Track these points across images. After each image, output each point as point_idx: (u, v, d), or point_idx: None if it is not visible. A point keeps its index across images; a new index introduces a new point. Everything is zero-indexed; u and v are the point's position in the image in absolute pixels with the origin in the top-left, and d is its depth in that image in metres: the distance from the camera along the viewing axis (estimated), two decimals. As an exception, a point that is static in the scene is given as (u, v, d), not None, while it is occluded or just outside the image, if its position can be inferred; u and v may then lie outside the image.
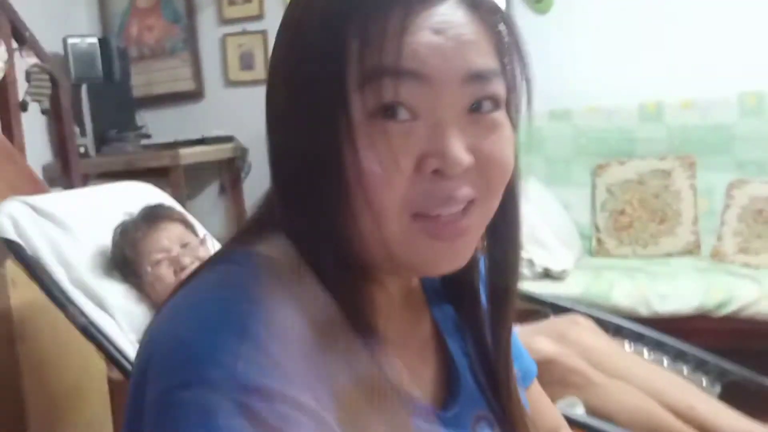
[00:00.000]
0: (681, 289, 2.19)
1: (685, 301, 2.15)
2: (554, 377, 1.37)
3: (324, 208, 0.51)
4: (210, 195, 3.62)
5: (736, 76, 2.69)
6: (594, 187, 2.79)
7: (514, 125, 0.55)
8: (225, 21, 3.57)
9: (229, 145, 3.47)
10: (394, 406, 0.54)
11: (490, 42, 0.52)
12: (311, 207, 0.52)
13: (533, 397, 0.78)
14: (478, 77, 0.51)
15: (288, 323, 0.50)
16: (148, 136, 3.46)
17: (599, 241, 2.71)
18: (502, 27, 0.53)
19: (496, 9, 0.53)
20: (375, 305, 0.55)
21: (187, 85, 3.66)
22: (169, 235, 1.60)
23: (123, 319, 1.58)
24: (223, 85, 3.64)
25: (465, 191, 0.51)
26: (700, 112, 2.70)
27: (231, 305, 0.51)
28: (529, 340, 1.36)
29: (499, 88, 0.52)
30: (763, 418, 1.46)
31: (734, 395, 1.62)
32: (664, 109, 2.76)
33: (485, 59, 0.51)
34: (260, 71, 3.53)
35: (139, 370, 0.52)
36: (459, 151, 0.50)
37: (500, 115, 0.53)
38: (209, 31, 3.61)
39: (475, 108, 0.51)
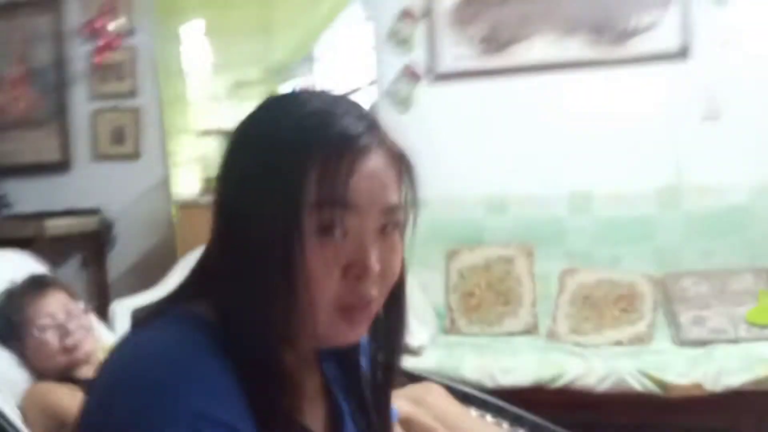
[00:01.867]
0: (520, 364, 2.45)
1: (523, 375, 2.41)
2: (411, 434, 1.55)
3: (269, 294, 0.67)
4: (73, 266, 3.58)
5: (568, 177, 3.09)
6: (447, 270, 3.06)
7: (403, 240, 0.74)
8: (97, 96, 3.62)
9: (95, 218, 3.47)
10: None
11: (398, 183, 0.72)
12: (256, 291, 0.67)
13: None
14: (390, 209, 0.70)
15: (222, 372, 0.66)
16: (8, 206, 3.40)
17: (452, 320, 2.96)
18: (405, 170, 0.73)
19: (404, 158, 0.73)
20: (288, 364, 0.71)
21: (54, 156, 3.65)
22: (56, 302, 1.67)
23: (3, 384, 1.62)
24: (91, 158, 3.65)
25: (374, 290, 0.70)
26: (538, 206, 3.07)
27: (182, 353, 0.67)
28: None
29: (400, 215, 0.72)
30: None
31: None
32: (508, 202, 3.10)
33: (395, 196, 0.71)
34: (130, 146, 3.58)
35: (101, 398, 0.67)
36: (375, 263, 0.69)
37: (397, 235, 0.72)
38: (80, 105, 3.64)
39: (383, 230, 0.70)
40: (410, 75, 3.26)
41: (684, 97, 3.03)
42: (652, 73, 3.05)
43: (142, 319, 0.75)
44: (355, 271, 0.68)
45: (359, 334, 0.73)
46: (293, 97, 0.74)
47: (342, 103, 0.71)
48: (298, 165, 0.66)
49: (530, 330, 2.86)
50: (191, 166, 3.45)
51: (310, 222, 0.66)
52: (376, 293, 0.71)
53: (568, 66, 3.12)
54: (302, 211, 0.65)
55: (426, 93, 3.27)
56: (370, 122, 0.71)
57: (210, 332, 0.69)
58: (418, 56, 3.26)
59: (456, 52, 3.24)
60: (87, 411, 0.69)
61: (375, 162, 0.69)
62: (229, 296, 0.69)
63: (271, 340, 0.68)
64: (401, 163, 0.73)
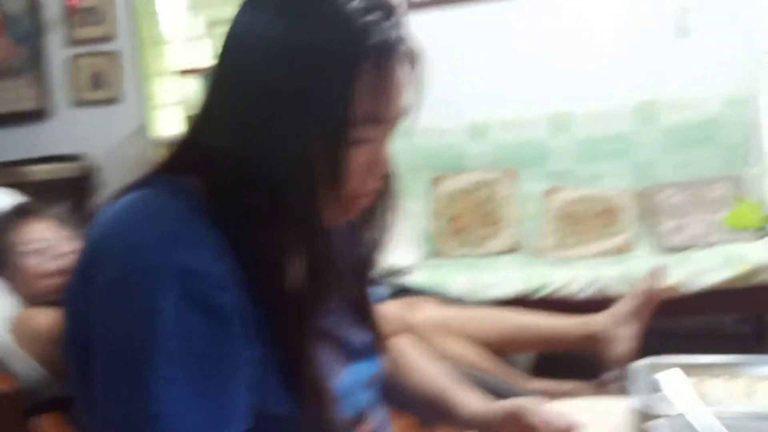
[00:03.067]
0: (505, 278, 2.53)
1: (508, 287, 2.48)
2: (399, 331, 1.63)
3: (287, 186, 0.69)
4: (58, 214, 3.58)
5: (547, 99, 3.12)
6: (432, 196, 3.10)
7: None
8: (75, 42, 3.58)
9: (77, 164, 3.47)
10: None
11: (410, 85, 0.75)
12: (274, 182, 0.69)
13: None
14: (402, 116, 0.75)
15: (210, 232, 0.69)
16: (-11, 155, 3.39)
17: (438, 244, 3.02)
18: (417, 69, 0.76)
19: (419, 56, 0.75)
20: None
21: (33, 105, 3.62)
22: (48, 226, 1.68)
23: None
24: (71, 104, 3.63)
25: (376, 183, 0.76)
26: (519, 129, 3.10)
27: (164, 213, 0.70)
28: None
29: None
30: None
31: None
32: (489, 128, 3.14)
33: (405, 101, 0.75)
34: (111, 91, 3.56)
35: (85, 263, 0.70)
36: (386, 162, 0.75)
37: None
38: (58, 52, 3.60)
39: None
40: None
41: (656, 14, 3.05)
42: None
43: (125, 189, 0.76)
44: (371, 168, 0.73)
45: (349, 218, 0.77)
46: None
47: None
48: (343, 78, 0.67)
49: (515, 248, 2.93)
50: (172, 108, 3.45)
51: (350, 134, 0.69)
52: (376, 185, 0.76)
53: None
54: (346, 127, 0.68)
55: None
56: (397, 19, 0.71)
57: (199, 202, 0.72)
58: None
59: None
60: (71, 288, 0.72)
61: (403, 70, 0.72)
62: (234, 180, 0.71)
63: (275, 226, 0.70)
64: (415, 63, 0.75)
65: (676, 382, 0.86)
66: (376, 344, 0.89)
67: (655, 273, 1.79)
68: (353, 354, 0.86)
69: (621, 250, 2.72)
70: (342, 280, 0.83)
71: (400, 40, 0.71)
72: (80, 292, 0.70)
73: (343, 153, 0.69)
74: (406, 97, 0.74)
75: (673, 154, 2.92)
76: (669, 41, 3.05)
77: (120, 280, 0.65)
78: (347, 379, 0.82)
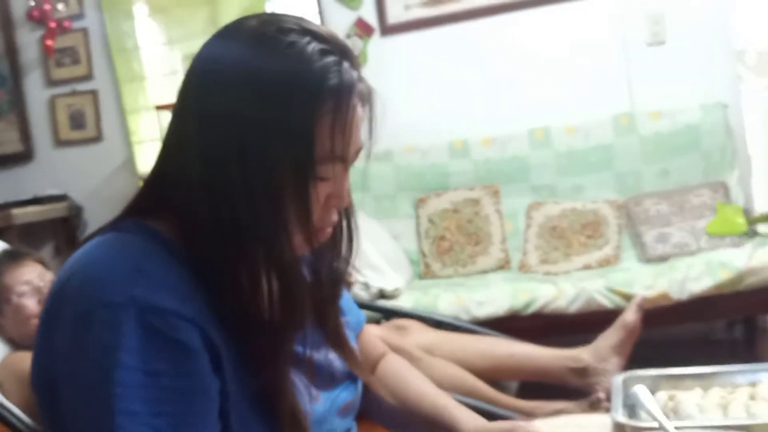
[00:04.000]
0: (494, 295, 2.52)
1: (497, 305, 2.48)
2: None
3: (256, 222, 0.71)
4: (46, 254, 3.57)
5: (525, 115, 3.14)
6: (417, 217, 3.11)
7: None
8: (53, 82, 3.60)
9: (62, 204, 3.47)
10: None
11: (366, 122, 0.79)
12: (242, 220, 0.71)
13: (365, 339, 1.02)
14: (360, 150, 0.78)
15: (173, 271, 0.70)
16: (-25, 201, 3.39)
17: (426, 264, 3.02)
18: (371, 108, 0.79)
19: (372, 95, 0.79)
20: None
21: (15, 147, 3.63)
22: (32, 270, 1.71)
23: None
24: (53, 145, 3.64)
25: (337, 215, 0.79)
26: (499, 147, 3.12)
27: (127, 252, 0.71)
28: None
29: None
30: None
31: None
32: (470, 146, 3.15)
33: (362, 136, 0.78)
34: (91, 130, 3.58)
35: (53, 301, 0.71)
36: (348, 195, 0.78)
37: None
38: (37, 93, 3.62)
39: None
40: (363, 28, 3.28)
41: (629, 24, 3.09)
42: (595, 3, 3.10)
43: (93, 233, 0.78)
44: (332, 203, 0.76)
45: (313, 248, 0.78)
46: (273, 31, 0.73)
47: (325, 37, 0.73)
48: (309, 115, 0.70)
49: (502, 265, 2.94)
50: (153, 143, 3.46)
51: (315, 170, 0.72)
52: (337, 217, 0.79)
53: (513, 6, 3.16)
54: (312, 165, 0.71)
55: (378, 45, 3.30)
56: (354, 60, 0.75)
57: (166, 243, 0.73)
58: (367, 11, 3.29)
59: (403, 2, 3.27)
60: (40, 326, 0.73)
61: (360, 108, 0.76)
62: (202, 215, 0.72)
63: (245, 258, 0.72)
64: (369, 102, 0.78)
65: (650, 395, 0.86)
66: (351, 370, 0.90)
67: (638, 306, 1.80)
68: (329, 380, 0.86)
69: (607, 262, 2.72)
70: (314, 308, 0.83)
71: (355, 81, 0.74)
72: (47, 331, 0.71)
73: (309, 187, 0.71)
74: (363, 134, 0.77)
75: (654, 163, 2.93)
76: (643, 51, 3.08)
77: (83, 314, 0.67)
78: (323, 407, 0.83)
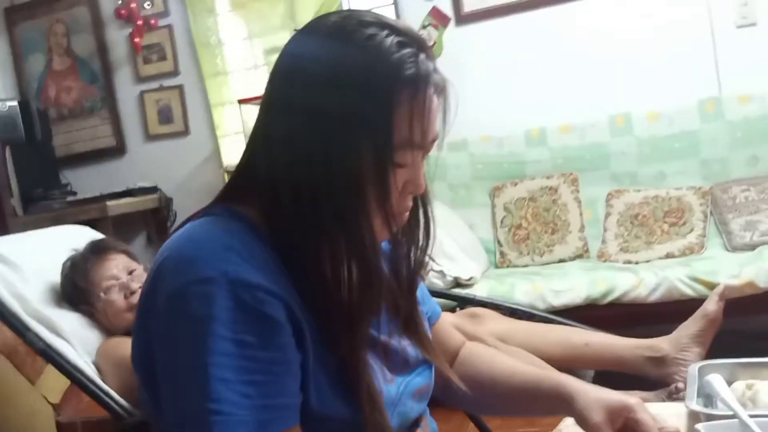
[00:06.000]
0: (571, 284, 2.49)
1: (575, 294, 2.45)
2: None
3: (339, 210, 0.75)
4: (138, 245, 3.75)
5: (606, 101, 3.08)
6: (493, 206, 3.10)
7: None
8: (141, 78, 3.76)
9: (154, 196, 3.63)
10: None
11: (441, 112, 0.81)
12: (325, 208, 0.75)
13: (443, 330, 1.05)
14: (435, 140, 0.81)
15: (256, 249, 0.75)
16: (73, 193, 3.58)
17: (502, 253, 3.01)
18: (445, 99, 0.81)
19: (447, 87, 0.81)
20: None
21: (109, 142, 3.82)
22: (117, 264, 1.73)
23: (78, 343, 1.69)
24: (143, 139, 3.81)
25: (411, 201, 0.82)
26: (578, 134, 3.07)
27: (218, 233, 0.77)
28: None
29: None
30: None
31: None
32: (547, 134, 3.12)
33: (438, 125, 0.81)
34: (179, 124, 3.72)
35: (151, 281, 0.76)
36: (423, 183, 0.81)
37: None
38: (127, 89, 3.80)
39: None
40: (438, 17, 3.29)
41: (716, 6, 2.98)
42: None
43: (186, 220, 0.83)
44: (409, 189, 0.80)
45: (392, 234, 0.81)
46: (354, 25, 0.77)
47: (402, 31, 0.77)
48: (388, 103, 0.74)
49: (581, 254, 2.90)
50: (236, 136, 3.57)
51: (394, 156, 0.75)
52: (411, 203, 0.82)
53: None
54: (391, 151, 0.74)
55: (454, 35, 3.30)
56: (429, 52, 0.79)
57: (255, 227, 0.78)
58: (442, 0, 3.29)
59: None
60: (139, 307, 0.79)
61: (436, 98, 0.79)
62: (288, 201, 0.76)
63: (328, 242, 0.77)
64: (444, 93, 0.81)
65: (724, 383, 0.85)
66: (425, 357, 0.92)
67: (720, 295, 1.75)
68: (404, 365, 0.89)
69: (690, 251, 2.65)
70: (390, 294, 0.86)
71: (431, 71, 0.77)
72: (146, 311, 0.77)
73: (389, 172, 0.75)
74: (438, 123, 0.80)
75: (741, 149, 2.83)
76: (731, 33, 2.96)
77: (178, 290, 0.72)
78: (396, 389, 0.86)
